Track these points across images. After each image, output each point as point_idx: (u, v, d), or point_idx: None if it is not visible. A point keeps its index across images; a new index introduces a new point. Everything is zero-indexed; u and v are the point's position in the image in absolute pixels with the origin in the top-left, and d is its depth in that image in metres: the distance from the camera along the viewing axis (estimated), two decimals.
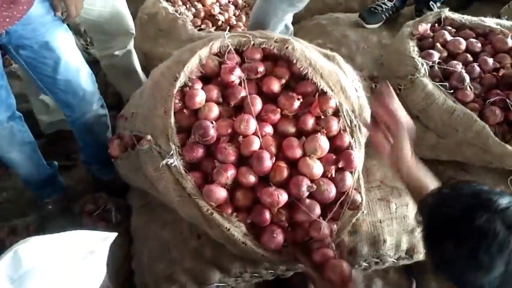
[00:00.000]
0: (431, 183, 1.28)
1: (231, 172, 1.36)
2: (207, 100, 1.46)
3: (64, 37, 1.59)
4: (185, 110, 1.44)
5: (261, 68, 1.50)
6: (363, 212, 1.53)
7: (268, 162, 1.38)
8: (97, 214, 1.84)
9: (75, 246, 0.99)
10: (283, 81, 1.53)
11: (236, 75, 1.47)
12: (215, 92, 1.48)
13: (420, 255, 1.61)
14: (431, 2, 2.44)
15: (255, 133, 1.42)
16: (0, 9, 1.33)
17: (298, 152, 1.43)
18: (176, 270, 1.51)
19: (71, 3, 1.51)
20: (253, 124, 1.41)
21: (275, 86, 1.50)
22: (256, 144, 1.40)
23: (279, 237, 1.37)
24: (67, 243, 0.98)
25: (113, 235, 1.05)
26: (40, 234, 1.78)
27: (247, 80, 1.50)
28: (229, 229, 1.32)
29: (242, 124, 1.40)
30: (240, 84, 1.49)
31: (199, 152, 1.39)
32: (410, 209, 1.63)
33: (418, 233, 1.60)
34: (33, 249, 0.93)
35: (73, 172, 2.21)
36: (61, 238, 0.99)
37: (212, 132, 1.39)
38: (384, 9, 2.57)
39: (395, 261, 1.60)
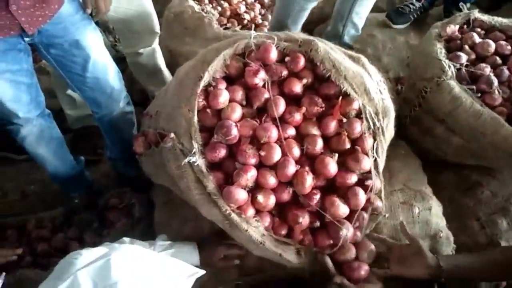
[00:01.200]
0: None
1: (251, 174, 1.36)
2: (230, 101, 1.47)
3: (93, 36, 1.62)
4: (208, 110, 1.45)
5: (285, 72, 1.50)
6: (384, 216, 1.53)
7: (292, 168, 1.38)
8: (121, 209, 1.87)
9: (164, 273, 1.02)
10: (305, 81, 1.52)
11: (260, 78, 1.47)
12: (239, 94, 1.48)
13: None
14: (460, 3, 2.39)
15: (278, 139, 1.42)
16: (33, 8, 1.37)
17: (333, 168, 1.43)
18: None
19: (100, 0, 1.54)
20: (274, 133, 1.41)
21: (297, 87, 1.50)
22: (277, 154, 1.39)
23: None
24: (158, 268, 1.01)
25: (201, 272, 1.10)
26: (66, 227, 1.84)
27: (270, 82, 1.50)
28: (247, 230, 1.33)
29: (265, 136, 1.39)
30: (263, 86, 1.49)
31: (222, 152, 1.40)
32: (433, 213, 1.61)
33: (440, 237, 1.58)
34: (124, 261, 0.97)
35: (99, 167, 2.26)
36: (154, 259, 1.02)
37: (235, 132, 1.39)
38: (412, 10, 2.54)
39: None
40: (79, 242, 1.79)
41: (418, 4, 2.60)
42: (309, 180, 1.38)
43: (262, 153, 1.37)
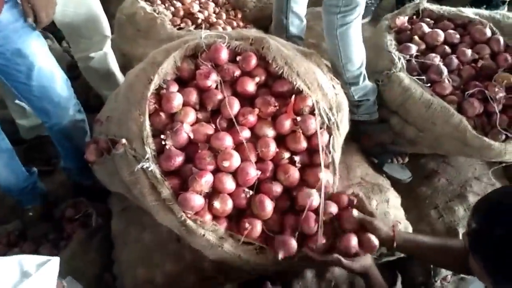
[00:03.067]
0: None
1: (206, 179, 1.33)
2: (184, 104, 1.44)
3: (36, 43, 1.57)
4: (161, 113, 1.42)
5: (237, 72, 1.49)
6: None
7: (253, 172, 1.38)
8: (77, 219, 1.83)
9: (8, 271, 0.98)
10: (258, 79, 1.51)
11: (212, 80, 1.45)
12: (193, 97, 1.46)
13: None
14: None
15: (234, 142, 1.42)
16: None
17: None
18: (157, 274, 1.50)
19: (42, 10, 1.48)
20: (229, 141, 1.39)
21: (250, 86, 1.49)
22: (236, 161, 1.38)
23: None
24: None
25: (53, 260, 1.04)
26: (21, 241, 1.78)
27: (223, 82, 1.48)
28: (203, 235, 1.31)
29: (220, 145, 1.38)
30: (216, 87, 1.47)
31: (177, 160, 1.37)
32: (391, 205, 1.63)
33: (400, 229, 1.59)
34: None
35: (53, 177, 2.18)
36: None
37: (185, 136, 1.38)
38: (373, 1, 2.56)
39: (377, 257, 1.59)
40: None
41: None
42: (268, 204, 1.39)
43: (225, 164, 1.35)
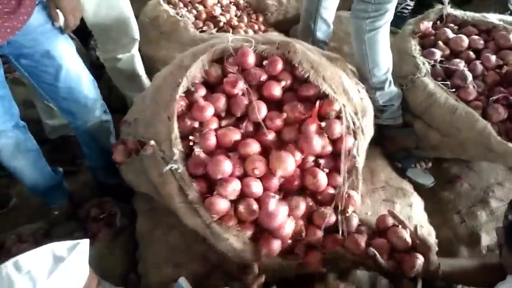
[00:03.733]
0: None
1: (233, 186, 1.34)
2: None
3: (64, 45, 1.60)
4: (189, 120, 1.44)
5: (264, 76, 1.51)
6: (366, 214, 1.54)
7: (276, 181, 1.40)
8: (102, 219, 1.85)
9: (42, 258, 1.03)
10: (283, 83, 1.53)
11: (239, 88, 1.47)
12: (221, 103, 1.47)
13: None
14: None
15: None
16: (1, 20, 1.34)
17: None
18: (183, 274, 1.52)
19: (69, 13, 1.51)
20: (256, 147, 1.42)
21: (276, 90, 1.51)
22: (264, 166, 1.39)
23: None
24: (35, 258, 1.02)
25: (83, 242, 1.09)
26: (47, 241, 1.80)
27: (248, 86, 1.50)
28: (228, 239, 1.33)
29: (249, 151, 1.41)
30: (243, 94, 1.49)
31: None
32: (414, 209, 1.63)
33: (422, 233, 1.60)
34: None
35: (78, 177, 2.21)
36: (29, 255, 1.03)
37: (214, 141, 1.41)
38: (409, 11, 2.59)
39: None
40: None
41: (412, 3, 2.65)
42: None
43: (256, 172, 1.37)
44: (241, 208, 1.35)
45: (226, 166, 1.34)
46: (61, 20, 1.55)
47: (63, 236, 1.86)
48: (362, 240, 1.36)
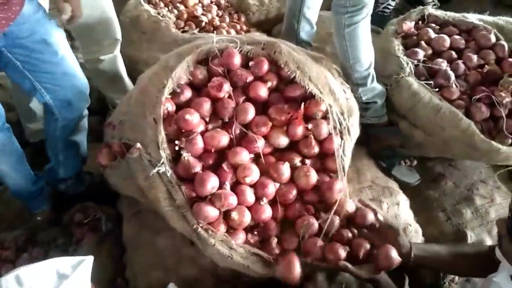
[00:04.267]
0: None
1: (231, 202, 1.34)
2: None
3: (59, 33, 1.59)
4: (173, 123, 1.43)
5: (250, 78, 1.50)
6: None
7: (272, 189, 1.40)
8: (86, 224, 1.81)
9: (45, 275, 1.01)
10: (269, 84, 1.52)
11: (225, 91, 1.46)
12: (207, 107, 1.46)
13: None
14: None
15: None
16: None
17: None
18: (172, 278, 1.50)
19: (78, 5, 1.51)
20: (245, 156, 1.42)
21: (263, 91, 1.50)
22: (255, 175, 1.40)
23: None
24: (38, 274, 1.00)
25: (87, 260, 1.08)
26: (29, 246, 1.77)
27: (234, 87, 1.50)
28: (214, 244, 1.32)
29: (239, 160, 1.41)
30: (229, 96, 1.48)
31: (195, 171, 1.37)
32: (401, 208, 1.65)
33: (410, 232, 1.61)
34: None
35: None
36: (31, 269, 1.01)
37: (201, 146, 1.40)
38: (391, 10, 2.61)
39: None
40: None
41: (393, 3, 2.68)
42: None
43: (247, 180, 1.38)
44: (234, 214, 1.34)
45: (212, 183, 1.35)
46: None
47: (46, 242, 1.83)
48: (341, 249, 1.37)
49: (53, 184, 2.02)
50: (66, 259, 1.06)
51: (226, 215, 1.36)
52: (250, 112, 1.46)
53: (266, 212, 1.40)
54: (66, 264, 1.05)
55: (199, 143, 1.40)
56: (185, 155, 1.37)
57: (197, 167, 1.38)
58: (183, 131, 1.42)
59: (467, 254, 1.38)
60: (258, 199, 1.40)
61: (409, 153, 1.88)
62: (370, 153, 1.88)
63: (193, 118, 1.40)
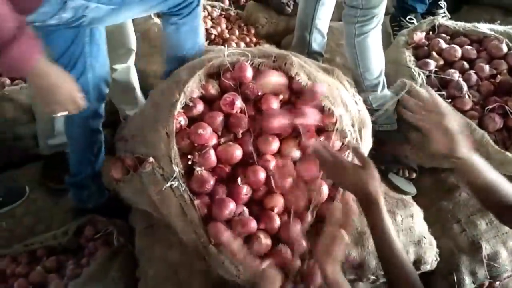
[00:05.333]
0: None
1: (250, 229, 1.36)
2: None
3: None
4: (186, 137, 1.43)
5: (261, 91, 1.50)
6: None
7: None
8: (98, 238, 1.81)
9: None
10: (281, 97, 1.52)
11: (237, 107, 1.46)
12: (219, 122, 1.46)
13: (428, 265, 1.61)
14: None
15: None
16: None
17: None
18: None
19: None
20: (262, 175, 1.42)
21: (274, 104, 1.50)
22: (278, 202, 1.42)
23: None
24: None
25: None
26: (42, 259, 1.76)
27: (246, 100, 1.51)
28: (223, 263, 1.33)
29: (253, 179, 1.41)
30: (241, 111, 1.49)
31: (209, 185, 1.38)
32: (416, 220, 1.63)
33: (425, 244, 1.60)
34: None
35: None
36: None
37: (214, 160, 1.40)
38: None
39: None
40: (58, 273, 1.72)
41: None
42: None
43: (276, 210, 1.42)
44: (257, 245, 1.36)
45: (231, 207, 1.37)
46: None
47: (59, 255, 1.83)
48: None
49: (75, 193, 1.99)
50: None
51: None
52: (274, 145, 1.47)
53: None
54: None
55: (212, 157, 1.40)
56: (198, 169, 1.37)
57: (211, 181, 1.38)
58: (196, 145, 1.42)
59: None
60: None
61: (412, 165, 1.85)
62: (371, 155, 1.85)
63: (206, 132, 1.40)
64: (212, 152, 1.40)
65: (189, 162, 1.40)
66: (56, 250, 1.84)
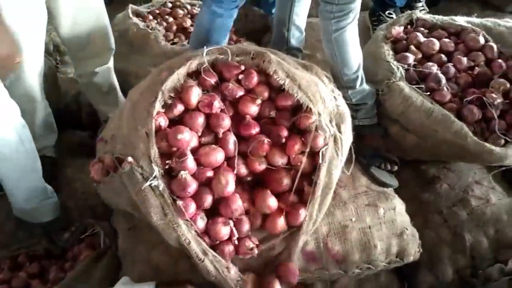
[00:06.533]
0: None
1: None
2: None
3: None
4: (165, 141, 1.42)
5: (240, 93, 1.50)
6: (351, 220, 1.55)
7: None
8: (83, 239, 1.80)
9: None
10: (259, 101, 1.52)
11: (216, 108, 1.45)
12: (200, 122, 1.45)
13: (411, 257, 1.63)
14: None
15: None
16: None
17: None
18: None
19: None
20: (232, 184, 1.40)
21: (252, 109, 1.50)
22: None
23: None
24: None
25: None
26: (25, 264, 1.73)
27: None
28: (203, 261, 1.34)
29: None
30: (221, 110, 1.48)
31: (191, 189, 1.36)
32: (398, 212, 1.64)
33: (407, 236, 1.61)
34: None
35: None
36: None
37: (193, 166, 1.39)
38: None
39: (387, 265, 1.61)
40: (41, 279, 1.70)
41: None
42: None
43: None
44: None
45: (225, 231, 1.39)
46: None
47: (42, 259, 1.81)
48: None
49: None
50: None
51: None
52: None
53: None
54: None
55: (190, 165, 1.38)
56: (183, 173, 1.36)
57: (193, 186, 1.37)
58: (175, 149, 1.41)
59: None
60: None
61: (393, 158, 1.85)
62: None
63: (185, 137, 1.38)
64: (190, 160, 1.38)
65: (166, 167, 1.39)
66: (38, 256, 1.81)
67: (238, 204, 1.39)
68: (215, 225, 1.38)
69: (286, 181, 1.46)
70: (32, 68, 1.84)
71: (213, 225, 1.39)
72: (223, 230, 1.38)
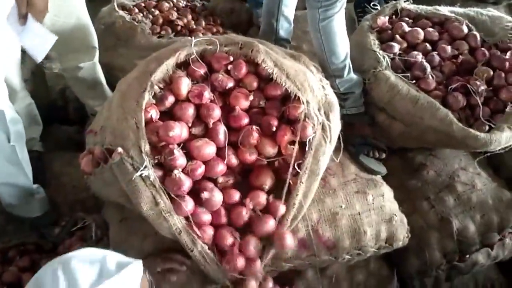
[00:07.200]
0: None
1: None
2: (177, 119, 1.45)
3: None
4: (156, 134, 1.42)
5: (230, 84, 1.51)
6: (341, 207, 1.57)
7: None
8: (75, 231, 1.79)
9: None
10: (252, 98, 1.52)
11: (206, 98, 1.46)
12: (190, 113, 1.46)
13: (400, 242, 1.65)
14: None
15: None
16: None
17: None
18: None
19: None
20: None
21: (243, 104, 1.51)
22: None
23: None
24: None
25: (136, 264, 1.02)
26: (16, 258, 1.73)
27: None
28: (192, 250, 1.36)
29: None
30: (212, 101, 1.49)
31: (186, 187, 1.37)
32: (386, 199, 1.67)
33: (396, 222, 1.64)
34: None
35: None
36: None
37: (183, 162, 1.39)
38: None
39: (376, 250, 1.63)
40: (32, 272, 1.68)
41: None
42: None
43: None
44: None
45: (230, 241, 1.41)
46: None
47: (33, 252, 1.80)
48: None
49: None
50: (115, 255, 1.01)
51: None
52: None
53: None
54: (114, 260, 0.99)
55: (180, 161, 1.38)
56: (176, 172, 1.36)
57: (187, 183, 1.38)
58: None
59: None
60: None
61: (381, 145, 1.88)
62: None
63: (175, 133, 1.38)
64: (179, 156, 1.38)
65: (155, 162, 1.40)
66: (29, 250, 1.80)
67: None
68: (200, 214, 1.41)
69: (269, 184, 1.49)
70: (9, 57, 1.83)
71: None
72: (205, 217, 1.41)
